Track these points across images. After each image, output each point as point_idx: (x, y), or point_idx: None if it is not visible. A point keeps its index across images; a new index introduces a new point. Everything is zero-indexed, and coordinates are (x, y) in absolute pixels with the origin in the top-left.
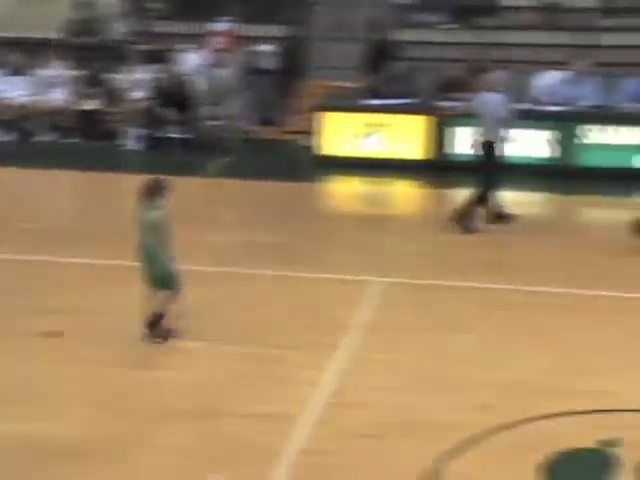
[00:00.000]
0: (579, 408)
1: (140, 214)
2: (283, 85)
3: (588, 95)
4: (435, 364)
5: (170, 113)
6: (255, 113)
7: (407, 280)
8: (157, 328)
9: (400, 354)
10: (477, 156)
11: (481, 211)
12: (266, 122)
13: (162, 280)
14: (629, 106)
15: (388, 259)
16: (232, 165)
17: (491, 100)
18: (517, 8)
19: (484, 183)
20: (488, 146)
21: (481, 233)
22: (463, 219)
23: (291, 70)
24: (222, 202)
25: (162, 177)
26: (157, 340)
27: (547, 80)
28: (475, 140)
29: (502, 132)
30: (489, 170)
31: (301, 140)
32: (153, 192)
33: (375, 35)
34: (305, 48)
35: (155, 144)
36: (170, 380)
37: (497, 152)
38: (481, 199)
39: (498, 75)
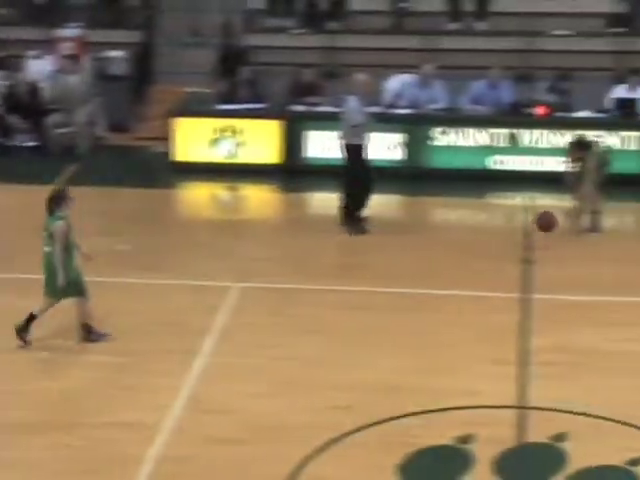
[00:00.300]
0: (434, 406)
1: (45, 224)
2: (134, 91)
3: (436, 98)
4: (292, 367)
5: (19, 121)
6: (106, 119)
7: (263, 285)
8: (91, 334)
9: (257, 359)
10: (343, 159)
11: (340, 212)
12: (118, 129)
13: (66, 290)
14: (476, 108)
15: (244, 264)
16: (83, 172)
17: (351, 103)
18: (366, 12)
19: (350, 186)
20: (351, 149)
21: (334, 236)
22: (348, 223)
23: (142, 76)
24: (74, 210)
25: (64, 188)
26: (92, 340)
27: (396, 84)
28: (340, 144)
29: (364, 135)
30: (354, 173)
31: (154, 146)
32: (56, 203)
33: (227, 40)
34: (156, 53)
35: (3, 152)
36: (31, 391)
37: (362, 155)
38: (355, 201)
39: (359, 79)
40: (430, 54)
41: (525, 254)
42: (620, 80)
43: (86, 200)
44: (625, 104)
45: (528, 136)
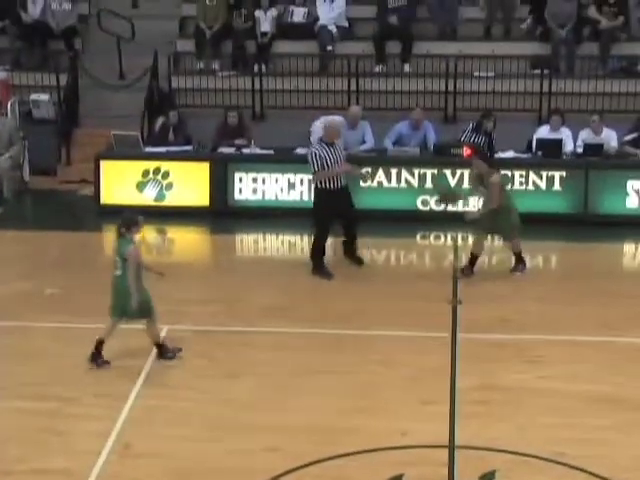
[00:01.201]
0: (365, 447)
1: (116, 249)
2: (60, 134)
3: (364, 139)
4: (222, 410)
5: None
6: (32, 163)
7: (192, 327)
8: (163, 351)
9: (187, 402)
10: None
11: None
12: (44, 172)
13: (138, 312)
14: (401, 149)
15: (173, 307)
16: (10, 216)
17: (317, 147)
18: (293, 55)
19: (316, 227)
20: (316, 193)
21: (264, 278)
22: (316, 267)
23: (68, 119)
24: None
25: (135, 212)
26: (168, 357)
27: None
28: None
29: (331, 179)
30: (319, 215)
31: (80, 189)
32: (127, 227)
33: (154, 83)
34: (82, 96)
35: None
36: None
37: (326, 199)
38: (317, 244)
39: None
40: (356, 95)
41: (453, 294)
42: (543, 121)
43: (12, 244)
44: (548, 144)
45: (454, 176)
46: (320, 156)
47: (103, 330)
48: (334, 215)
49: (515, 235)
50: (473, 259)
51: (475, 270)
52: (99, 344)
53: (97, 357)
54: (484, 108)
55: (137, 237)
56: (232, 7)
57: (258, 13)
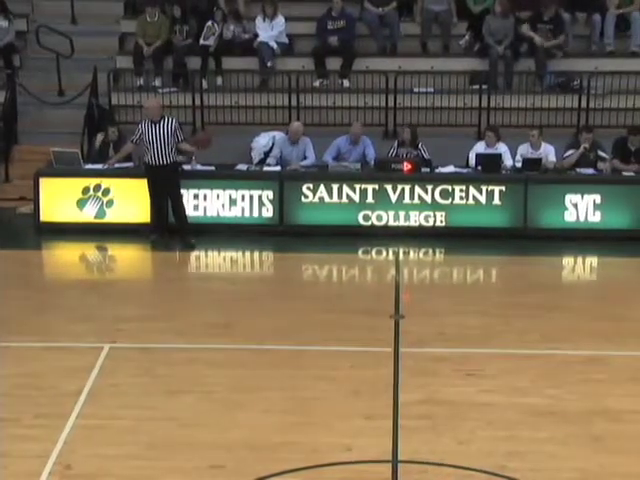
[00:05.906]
0: (309, 463)
1: None
2: None
3: (305, 155)
4: (164, 428)
5: None
6: None
7: (132, 345)
8: None
9: (129, 420)
10: None
11: None
12: None
13: None
14: (342, 165)
15: (113, 324)
16: None
17: None
18: (235, 71)
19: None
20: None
21: (204, 294)
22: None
23: (6, 136)
24: None
25: None
26: None
27: (265, 141)
28: None
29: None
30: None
31: (19, 207)
32: None
33: (94, 99)
34: (21, 113)
35: None
36: None
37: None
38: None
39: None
40: (297, 111)
41: (395, 308)
42: (482, 136)
43: None
44: (487, 159)
45: (395, 192)
46: (140, 131)
47: None
48: (156, 191)
49: None
50: None
51: (415, 284)
52: None
53: None
54: (424, 124)
55: None
56: (175, 22)
57: (215, 26)
